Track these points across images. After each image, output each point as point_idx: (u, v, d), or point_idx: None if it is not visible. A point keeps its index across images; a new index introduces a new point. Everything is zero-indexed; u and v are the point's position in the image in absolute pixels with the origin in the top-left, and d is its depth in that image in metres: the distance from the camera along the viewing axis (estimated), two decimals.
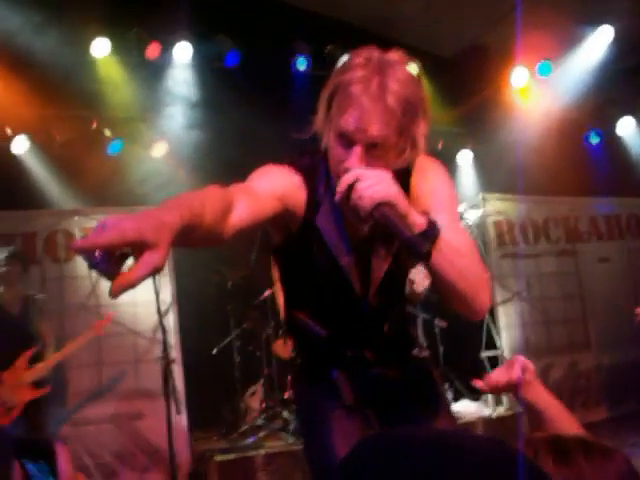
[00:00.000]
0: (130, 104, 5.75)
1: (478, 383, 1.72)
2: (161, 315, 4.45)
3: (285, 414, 5.23)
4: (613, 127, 7.63)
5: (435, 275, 1.61)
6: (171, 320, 5.23)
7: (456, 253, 1.61)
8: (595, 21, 6.42)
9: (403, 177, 1.73)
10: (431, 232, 1.54)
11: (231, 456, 4.88)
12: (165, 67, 5.87)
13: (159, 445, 4.92)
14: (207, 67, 5.96)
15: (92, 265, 1.06)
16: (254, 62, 5.95)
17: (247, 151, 4.90)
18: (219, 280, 5.91)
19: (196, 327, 5.56)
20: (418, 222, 1.54)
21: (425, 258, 1.55)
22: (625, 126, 7.61)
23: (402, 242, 1.54)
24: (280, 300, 3.64)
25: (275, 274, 3.63)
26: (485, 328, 6.13)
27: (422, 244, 1.52)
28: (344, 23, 6.39)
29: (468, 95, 6.80)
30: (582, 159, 7.36)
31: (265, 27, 5.90)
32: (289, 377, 3.42)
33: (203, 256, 5.84)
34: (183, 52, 5.83)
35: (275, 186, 1.68)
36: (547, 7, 5.79)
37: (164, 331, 4.51)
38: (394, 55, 1.63)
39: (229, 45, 5.93)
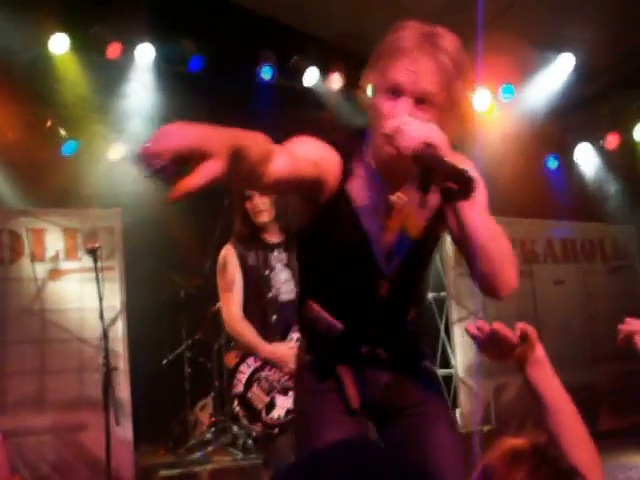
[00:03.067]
0: (88, 104, 5.59)
1: (471, 329, 1.59)
2: (104, 321, 4.31)
3: (235, 429, 5.09)
4: (571, 153, 7.75)
5: (467, 232, 1.61)
6: (120, 328, 5.06)
7: (490, 219, 1.66)
8: (557, 48, 6.51)
9: None
10: (473, 179, 1.51)
11: (176, 471, 4.75)
12: (126, 68, 5.72)
13: (101, 458, 4.72)
14: (169, 70, 5.84)
15: (154, 172, 1.08)
16: (218, 68, 5.87)
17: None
18: (171, 289, 5.75)
19: (146, 336, 5.40)
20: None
21: (464, 196, 1.52)
22: (583, 152, 7.73)
23: (444, 178, 1.50)
24: (226, 313, 3.55)
25: (221, 284, 3.54)
26: (440, 346, 6.11)
27: (465, 182, 1.49)
28: (311, 36, 6.36)
29: None
30: (540, 183, 7.44)
31: (231, 34, 5.82)
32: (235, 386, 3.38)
33: (156, 263, 5.70)
34: (145, 54, 5.69)
35: (312, 152, 1.70)
36: (510, 32, 5.86)
37: (106, 338, 4.36)
38: (441, 28, 1.70)
39: (193, 49, 5.83)
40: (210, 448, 5.10)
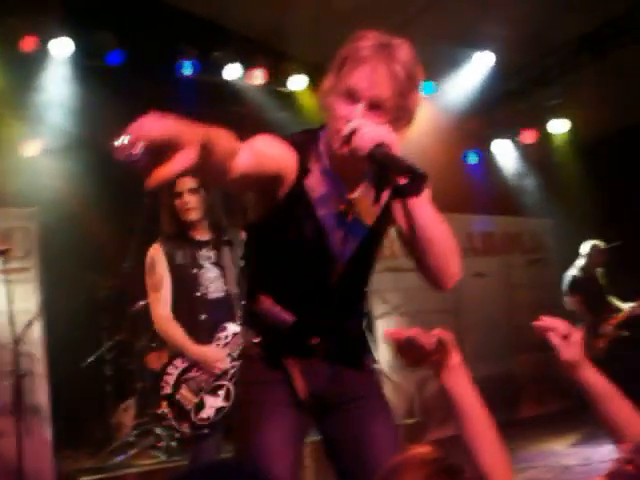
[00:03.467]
0: (2, 99, 5.38)
1: (392, 333, 1.58)
2: (16, 325, 4.17)
3: (158, 430, 5.00)
4: (490, 148, 7.95)
5: (417, 227, 1.73)
6: (36, 331, 4.88)
7: (437, 215, 1.76)
8: (476, 45, 6.65)
9: None
10: (425, 176, 1.62)
11: (99, 476, 4.63)
12: (42, 62, 5.53)
13: (22, 465, 4.55)
14: (88, 64, 5.68)
15: (132, 161, 1.12)
16: (138, 63, 5.76)
17: None
18: (90, 289, 5.59)
19: (65, 338, 5.22)
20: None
21: (416, 193, 1.65)
22: (502, 147, 7.95)
23: (396, 175, 1.62)
24: (155, 313, 3.47)
25: (151, 282, 3.47)
26: None
27: (419, 178, 1.60)
28: (233, 31, 6.32)
29: None
30: (460, 177, 7.60)
31: (151, 28, 5.75)
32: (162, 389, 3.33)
33: (74, 263, 5.53)
34: (62, 47, 5.51)
35: (270, 149, 1.79)
36: (430, 29, 5.94)
37: (18, 342, 4.23)
38: (398, 39, 1.81)
39: (112, 43, 5.69)
40: (133, 451, 5.00)
